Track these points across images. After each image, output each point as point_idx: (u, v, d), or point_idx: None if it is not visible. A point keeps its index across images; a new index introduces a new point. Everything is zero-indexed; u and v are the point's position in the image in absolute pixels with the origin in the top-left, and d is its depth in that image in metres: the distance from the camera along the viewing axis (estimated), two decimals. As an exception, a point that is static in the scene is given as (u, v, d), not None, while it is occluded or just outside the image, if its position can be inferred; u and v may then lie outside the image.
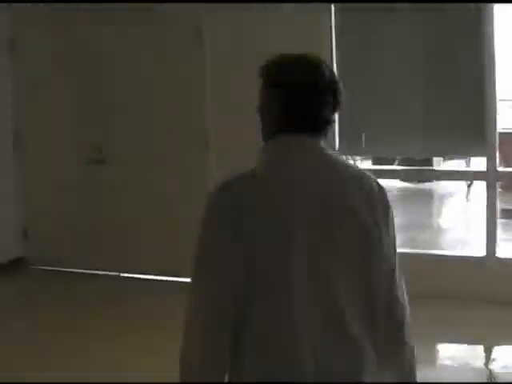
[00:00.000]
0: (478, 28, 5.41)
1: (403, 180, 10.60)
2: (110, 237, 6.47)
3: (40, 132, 6.70)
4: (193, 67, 6.08)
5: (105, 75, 6.37)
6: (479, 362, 4.78)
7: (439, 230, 9.41)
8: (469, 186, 10.82)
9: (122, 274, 6.51)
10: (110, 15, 6.19)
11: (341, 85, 1.97)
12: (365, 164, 10.90)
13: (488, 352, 4.98)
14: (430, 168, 8.51)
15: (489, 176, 5.62)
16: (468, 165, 11.00)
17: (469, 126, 5.59)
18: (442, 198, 11.56)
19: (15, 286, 6.41)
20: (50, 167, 6.71)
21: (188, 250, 2.00)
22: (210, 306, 1.81)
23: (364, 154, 6.90)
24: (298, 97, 1.91)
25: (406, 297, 1.99)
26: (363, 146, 5.85)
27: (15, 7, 6.47)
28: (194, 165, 6.13)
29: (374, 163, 10.58)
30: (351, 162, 10.02)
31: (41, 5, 6.37)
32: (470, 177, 8.34)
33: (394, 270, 1.95)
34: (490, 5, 5.37)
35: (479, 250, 5.79)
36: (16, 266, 6.72)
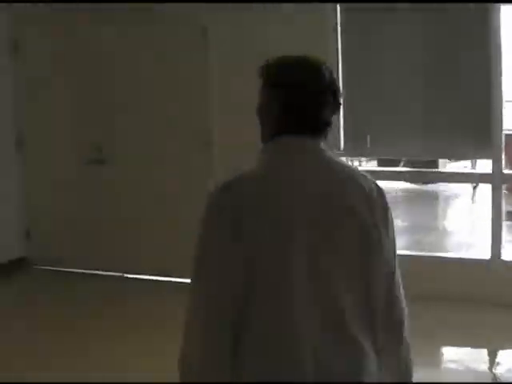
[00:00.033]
0: (484, 28, 5.37)
1: (408, 181, 10.56)
2: (111, 237, 6.47)
3: (41, 132, 6.70)
4: (197, 67, 6.06)
5: (105, 75, 6.37)
6: (483, 366, 4.73)
7: (444, 232, 9.38)
8: (474, 187, 10.78)
9: (124, 275, 6.50)
10: (111, 15, 6.17)
11: (340, 88, 1.97)
12: (370, 165, 10.87)
13: (492, 355, 4.94)
14: (436, 170, 8.47)
15: (494, 178, 5.58)
16: (474, 166, 10.96)
17: (474, 127, 5.56)
18: (448, 199, 11.52)
19: (17, 285, 6.40)
20: (51, 167, 6.70)
21: (188, 250, 1.98)
22: (210, 306, 1.80)
23: (369, 155, 6.85)
24: (298, 97, 1.91)
25: (403, 297, 2.00)
26: (368, 146, 5.83)
27: (15, 7, 6.46)
28: (194, 165, 6.12)
29: (380, 165, 10.54)
30: (356, 163, 10.03)
31: (41, 5, 6.36)
32: (475, 179, 8.28)
33: (393, 272, 1.96)
34: (496, 5, 5.33)
35: (484, 253, 5.75)
36: (18, 265, 6.71)
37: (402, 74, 5.67)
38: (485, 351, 5.03)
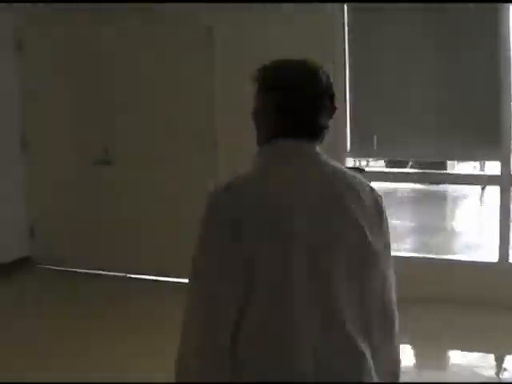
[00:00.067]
0: (493, 28, 5.31)
1: (416, 182, 10.50)
2: (114, 237, 6.46)
3: (46, 133, 6.68)
4: (201, 67, 6.02)
5: (109, 76, 6.35)
6: (490, 371, 4.67)
7: (452, 234, 9.32)
8: (483, 188, 10.72)
9: (127, 275, 6.48)
10: (116, 15, 6.15)
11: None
12: (377, 166, 10.81)
13: (499, 360, 4.88)
14: (444, 172, 8.41)
15: (503, 180, 5.53)
16: (482, 167, 10.89)
17: (483, 129, 5.50)
18: (456, 200, 11.47)
19: (19, 285, 6.36)
20: (55, 168, 6.69)
21: (190, 250, 1.96)
22: (210, 306, 1.81)
23: (375, 156, 6.79)
24: (296, 101, 1.92)
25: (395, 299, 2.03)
26: (375, 147, 5.78)
27: (16, 7, 6.43)
28: (198, 165, 6.08)
29: (388, 166, 10.49)
30: (363, 163, 9.98)
31: (41, 5, 6.34)
32: (483, 181, 8.21)
33: (388, 274, 1.98)
34: (505, 5, 5.28)
35: (492, 255, 5.69)
36: (22, 265, 6.70)
37: (409, 75, 5.61)
38: (491, 356, 4.96)
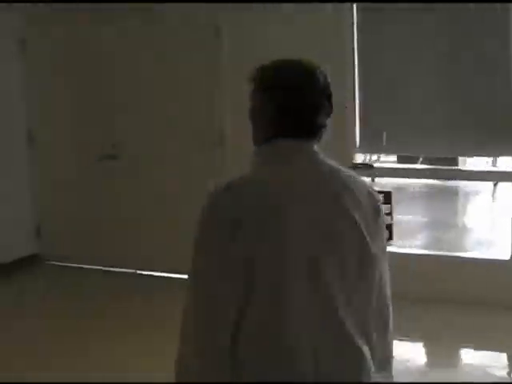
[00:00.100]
0: (507, 25, 5.22)
1: (427, 178, 10.41)
2: (122, 234, 6.42)
3: (52, 131, 6.66)
4: (209, 67, 5.95)
5: (117, 74, 6.31)
6: (502, 372, 4.60)
7: (464, 230, 9.24)
8: (495, 184, 10.63)
9: (137, 271, 6.45)
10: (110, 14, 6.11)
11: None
12: (387, 162, 10.74)
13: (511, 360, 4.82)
14: (456, 168, 8.32)
15: (515, 176, 5.45)
16: (494, 163, 10.78)
17: (496, 124, 5.42)
18: (468, 195, 11.39)
19: (19, 285, 6.32)
20: (62, 166, 6.68)
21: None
22: (210, 306, 1.81)
23: (385, 152, 6.76)
24: (295, 100, 1.94)
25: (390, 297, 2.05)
26: (384, 144, 5.71)
27: (15, 7, 6.39)
28: (207, 164, 6.01)
29: (399, 161, 10.41)
30: (374, 157, 9.92)
31: (41, 5, 6.33)
32: (495, 177, 8.12)
33: (384, 272, 2.00)
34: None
35: (504, 252, 5.61)
36: (30, 262, 6.67)
37: (422, 71, 5.52)
38: (504, 356, 4.90)
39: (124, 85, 6.26)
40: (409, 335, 4.81)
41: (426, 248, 7.81)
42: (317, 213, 1.87)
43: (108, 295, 5.87)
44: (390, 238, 5.65)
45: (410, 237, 7.91)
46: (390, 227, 5.65)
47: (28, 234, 6.76)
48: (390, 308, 2.04)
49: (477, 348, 4.92)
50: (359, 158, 5.83)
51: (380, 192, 5.71)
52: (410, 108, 5.59)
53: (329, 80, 1.99)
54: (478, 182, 11.00)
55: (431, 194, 11.02)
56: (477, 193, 11.22)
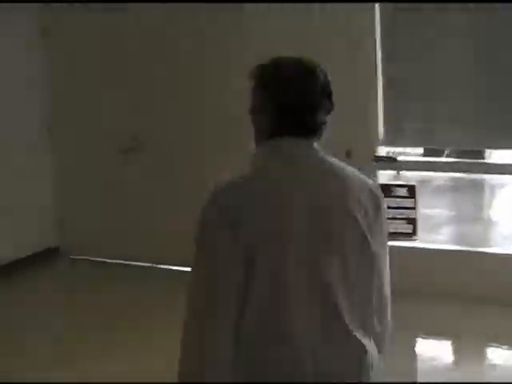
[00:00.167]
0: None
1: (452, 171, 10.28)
2: (144, 227, 6.36)
3: (75, 122, 6.61)
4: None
5: (135, 65, 6.24)
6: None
7: (489, 223, 9.12)
8: (522, 177, 10.46)
9: (156, 265, 6.39)
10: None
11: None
12: (414, 155, 10.63)
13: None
14: (482, 161, 8.16)
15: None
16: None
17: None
18: (493, 188, 11.24)
19: (43, 277, 6.34)
20: (85, 157, 6.63)
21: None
22: (211, 306, 1.81)
23: (409, 145, 6.67)
24: (296, 98, 1.94)
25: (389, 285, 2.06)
26: (409, 136, 5.62)
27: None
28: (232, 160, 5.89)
29: (426, 154, 10.29)
30: (398, 149, 9.80)
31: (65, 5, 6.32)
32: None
33: (384, 270, 2.01)
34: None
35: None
36: (51, 255, 6.66)
37: (447, 64, 5.39)
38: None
39: (149, 75, 6.17)
40: (436, 332, 4.74)
41: (451, 243, 7.75)
42: (317, 212, 1.88)
43: (129, 291, 5.83)
44: (414, 233, 5.54)
45: (434, 231, 7.82)
46: (413, 222, 5.54)
47: (50, 226, 6.74)
48: (389, 304, 2.07)
49: (505, 347, 4.81)
50: (383, 151, 5.71)
51: (404, 186, 5.61)
52: (439, 99, 5.47)
53: (329, 78, 1.99)
54: (505, 176, 10.85)
55: (456, 188, 10.91)
56: (502, 186, 11.08)
